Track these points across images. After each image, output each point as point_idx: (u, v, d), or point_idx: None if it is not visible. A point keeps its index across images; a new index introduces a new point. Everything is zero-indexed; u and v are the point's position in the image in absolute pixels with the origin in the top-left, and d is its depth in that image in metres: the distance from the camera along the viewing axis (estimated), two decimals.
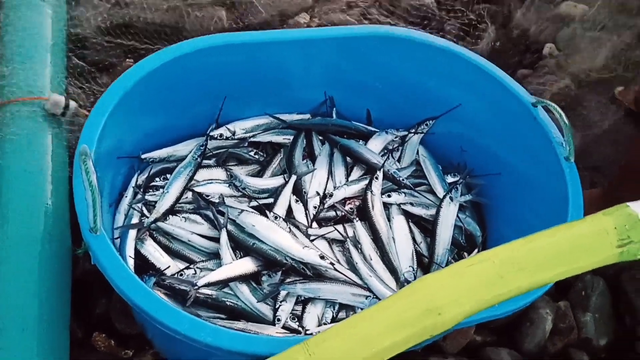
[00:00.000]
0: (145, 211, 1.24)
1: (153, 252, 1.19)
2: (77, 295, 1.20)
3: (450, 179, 1.46)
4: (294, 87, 1.42)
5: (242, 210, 1.25)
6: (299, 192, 1.34)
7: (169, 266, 1.17)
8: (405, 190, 1.39)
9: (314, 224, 1.31)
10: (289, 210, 1.32)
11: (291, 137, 1.45)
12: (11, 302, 1.10)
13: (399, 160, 1.49)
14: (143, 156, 1.29)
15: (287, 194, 1.32)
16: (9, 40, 1.39)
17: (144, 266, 1.18)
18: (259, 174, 1.40)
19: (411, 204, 1.38)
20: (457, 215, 1.37)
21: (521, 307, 1.04)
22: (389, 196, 1.37)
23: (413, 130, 1.50)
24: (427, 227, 1.38)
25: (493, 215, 1.46)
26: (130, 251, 1.16)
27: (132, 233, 1.19)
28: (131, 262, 1.15)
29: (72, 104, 1.28)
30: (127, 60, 1.64)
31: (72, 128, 1.31)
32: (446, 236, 1.33)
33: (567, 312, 1.40)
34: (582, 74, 1.83)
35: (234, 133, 1.40)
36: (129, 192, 1.25)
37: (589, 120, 1.75)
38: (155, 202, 1.25)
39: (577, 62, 1.85)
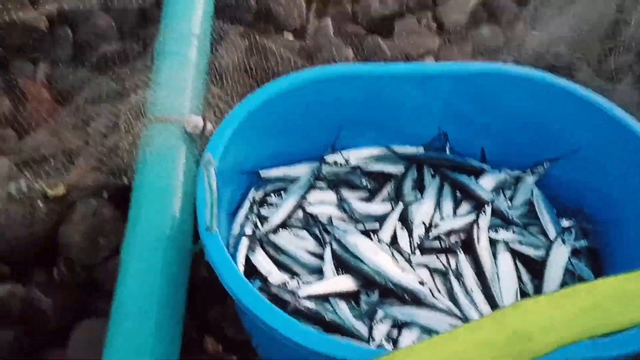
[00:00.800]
0: (258, 223, 1.33)
1: (262, 261, 1.27)
2: (194, 300, 1.31)
3: (565, 222, 1.41)
4: (409, 120, 1.47)
5: (348, 231, 1.30)
6: (404, 220, 1.37)
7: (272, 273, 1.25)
8: (514, 228, 1.37)
9: (417, 252, 1.32)
10: (394, 237, 1.35)
11: (403, 168, 1.49)
12: (134, 294, 1.23)
13: (510, 200, 1.47)
14: (262, 174, 1.39)
15: (393, 221, 1.35)
16: (159, 67, 1.58)
17: (252, 273, 1.26)
18: (368, 200, 1.45)
19: (519, 242, 1.36)
20: (570, 260, 1.32)
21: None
22: (496, 232, 1.35)
23: (528, 171, 1.48)
24: (535, 267, 1.34)
25: (611, 265, 1.38)
26: (241, 258, 1.25)
27: (245, 241, 1.28)
28: (241, 267, 1.24)
29: (209, 125, 1.43)
30: None
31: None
32: (555, 278, 1.28)
33: None
34: None
35: (347, 160, 1.47)
36: (246, 205, 1.36)
37: None
38: (269, 216, 1.34)
39: None
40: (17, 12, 1.79)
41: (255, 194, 1.38)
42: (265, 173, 1.40)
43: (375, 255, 1.25)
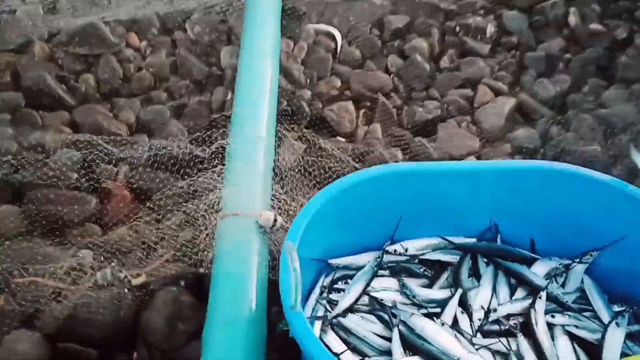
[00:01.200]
0: (328, 308, 1.44)
1: (333, 341, 1.36)
2: None
3: (617, 308, 1.48)
4: (462, 212, 1.60)
5: (413, 314, 1.39)
6: (464, 305, 1.46)
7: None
8: (570, 313, 1.44)
9: (478, 335, 1.40)
10: (454, 321, 1.44)
11: (458, 257, 1.60)
12: None
13: (562, 286, 1.55)
14: (330, 262, 1.51)
15: (453, 305, 1.44)
16: (230, 167, 1.76)
17: None
18: (428, 286, 1.54)
19: (575, 326, 1.43)
20: (626, 343, 1.38)
21: None
22: (553, 316, 1.43)
23: (577, 260, 1.58)
24: (592, 350, 1.40)
25: None
26: None
27: (317, 324, 1.38)
28: None
29: (279, 219, 1.57)
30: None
31: (276, 239, 1.59)
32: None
33: None
34: None
35: (406, 250, 1.58)
36: (317, 290, 1.47)
37: None
38: (337, 301, 1.44)
39: None
40: (102, 121, 2.02)
41: (325, 281, 1.50)
42: (333, 261, 1.52)
43: (440, 337, 1.33)
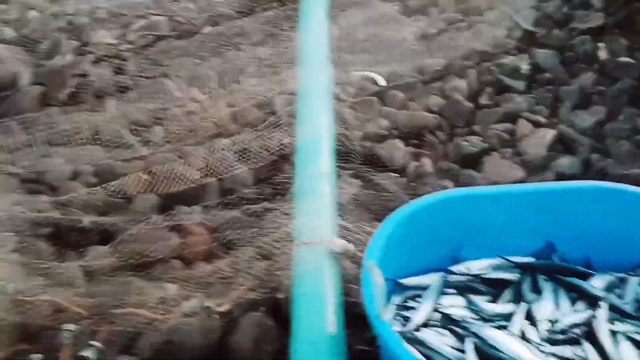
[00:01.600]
0: (403, 322, 1.56)
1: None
2: None
3: None
4: (519, 233, 1.72)
5: (483, 325, 1.51)
6: (528, 317, 1.57)
7: None
8: (630, 320, 1.54)
9: (545, 343, 1.50)
10: (521, 333, 1.54)
11: (519, 276, 1.71)
12: None
13: (619, 298, 1.65)
14: (401, 281, 1.64)
15: (520, 317, 1.55)
16: (300, 200, 1.93)
17: None
18: (492, 302, 1.66)
19: (637, 332, 1.52)
20: None
21: None
22: (614, 324, 1.53)
23: (632, 273, 1.68)
24: None
25: None
26: None
27: None
28: None
29: (351, 246, 1.72)
30: None
31: (347, 265, 1.73)
32: None
33: None
34: None
35: (469, 269, 1.71)
36: (391, 307, 1.59)
37: None
38: (410, 316, 1.57)
39: None
40: (177, 167, 2.22)
41: (396, 299, 1.62)
42: (404, 281, 1.65)
43: (512, 345, 1.44)
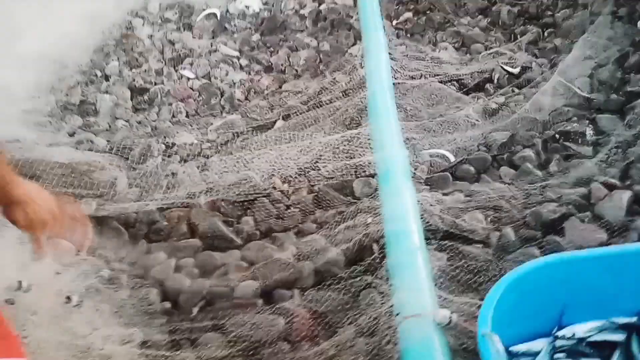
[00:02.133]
0: None
1: None
2: None
3: None
4: (624, 294, 1.76)
5: None
6: None
7: None
8: None
9: None
10: None
11: (624, 336, 1.74)
12: None
13: None
14: (511, 349, 1.70)
15: None
16: (397, 276, 2.03)
17: None
18: None
19: None
20: None
21: None
22: None
23: None
24: None
25: None
26: None
27: None
28: None
29: (454, 316, 1.79)
30: None
31: (453, 333, 1.79)
32: None
33: None
34: None
35: (574, 334, 1.75)
36: None
37: None
38: None
39: None
40: (272, 252, 2.36)
41: None
42: (514, 348, 1.70)
43: None
